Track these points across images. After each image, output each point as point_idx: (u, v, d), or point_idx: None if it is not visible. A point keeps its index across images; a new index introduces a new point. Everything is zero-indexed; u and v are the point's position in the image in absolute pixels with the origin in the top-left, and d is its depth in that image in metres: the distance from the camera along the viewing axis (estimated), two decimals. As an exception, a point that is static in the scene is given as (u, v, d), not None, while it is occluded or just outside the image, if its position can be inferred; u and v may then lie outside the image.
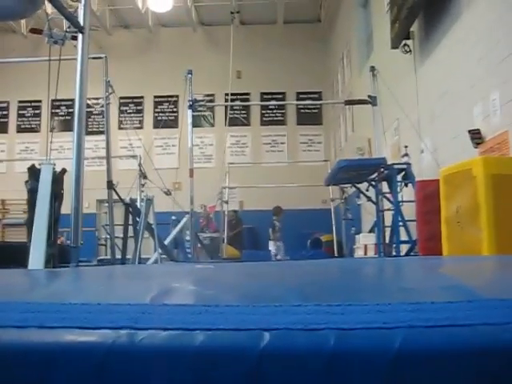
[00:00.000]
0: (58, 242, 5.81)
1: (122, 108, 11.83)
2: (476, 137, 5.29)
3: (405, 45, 7.56)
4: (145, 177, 8.27)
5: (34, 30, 5.51)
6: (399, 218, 6.27)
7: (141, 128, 15.17)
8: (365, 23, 11.46)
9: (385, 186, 6.94)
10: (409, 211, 6.12)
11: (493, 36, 5.02)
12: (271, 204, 11.97)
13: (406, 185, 6.52)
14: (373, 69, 8.30)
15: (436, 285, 0.85)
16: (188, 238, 9.23)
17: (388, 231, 6.90)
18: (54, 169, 4.77)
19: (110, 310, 0.55)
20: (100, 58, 6.95)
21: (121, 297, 0.80)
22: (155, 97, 15.87)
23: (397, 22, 7.52)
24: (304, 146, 15.87)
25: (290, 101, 15.40)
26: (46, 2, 4.68)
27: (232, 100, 14.10)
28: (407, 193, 6.45)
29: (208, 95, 14.79)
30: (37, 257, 4.20)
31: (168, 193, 8.51)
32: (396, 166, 6.54)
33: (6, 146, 15.82)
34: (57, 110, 14.78)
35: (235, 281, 1.24)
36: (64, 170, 5.06)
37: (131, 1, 14.07)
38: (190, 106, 9.03)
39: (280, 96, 15.54)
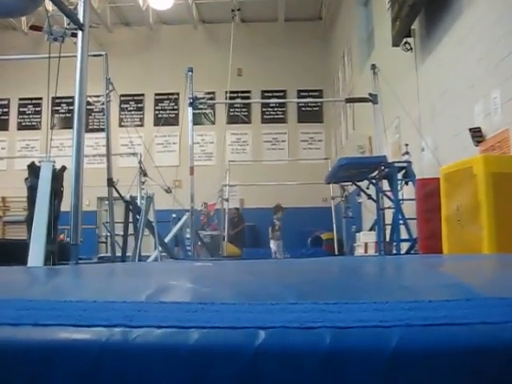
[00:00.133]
0: (59, 239, 5.82)
1: (123, 105, 11.86)
2: (477, 135, 5.29)
3: (406, 43, 7.55)
4: (145, 174, 8.26)
5: (34, 27, 5.51)
6: (399, 216, 6.27)
7: (141, 126, 15.19)
8: (366, 21, 11.44)
9: (385, 184, 6.94)
10: (409, 209, 6.12)
11: (493, 34, 5.01)
12: (272, 202, 11.96)
13: (406, 183, 6.52)
14: (374, 67, 8.28)
15: (435, 283, 0.85)
16: (188, 235, 9.24)
17: (388, 229, 6.91)
18: (53, 166, 4.77)
19: (105, 307, 0.54)
20: (100, 55, 6.96)
21: (117, 294, 0.80)
22: (156, 94, 15.85)
23: (398, 20, 7.50)
24: (305, 144, 15.86)
25: (290, 99, 15.41)
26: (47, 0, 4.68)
27: (233, 98, 14.10)
28: (408, 191, 6.45)
29: (208, 93, 14.76)
30: (36, 254, 4.20)
31: (168, 190, 8.50)
32: (397, 164, 6.55)
33: (7, 143, 15.83)
34: (57, 108, 14.77)
35: (232, 279, 1.24)
36: (64, 168, 5.07)
37: (132, -2, 14.08)
38: (191, 104, 9.02)
39: (281, 94, 15.52)
